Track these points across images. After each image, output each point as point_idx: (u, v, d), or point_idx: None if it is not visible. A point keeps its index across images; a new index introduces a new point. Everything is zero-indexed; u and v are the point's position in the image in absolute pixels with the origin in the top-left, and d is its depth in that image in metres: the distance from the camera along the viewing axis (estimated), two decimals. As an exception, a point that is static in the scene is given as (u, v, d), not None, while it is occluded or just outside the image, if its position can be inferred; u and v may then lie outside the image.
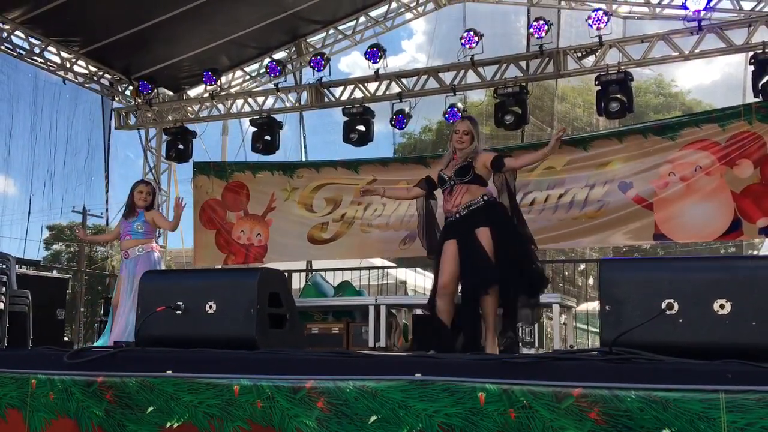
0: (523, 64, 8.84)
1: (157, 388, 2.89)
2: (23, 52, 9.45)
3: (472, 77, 9.01)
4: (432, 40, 11.91)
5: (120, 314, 5.89)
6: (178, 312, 3.28)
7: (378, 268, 11.33)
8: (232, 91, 10.79)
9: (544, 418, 2.31)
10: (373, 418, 2.54)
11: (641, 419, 2.19)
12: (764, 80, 7.40)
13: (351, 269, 10.39)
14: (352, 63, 21.02)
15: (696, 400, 2.14)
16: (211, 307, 3.26)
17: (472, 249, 4.55)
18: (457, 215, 4.70)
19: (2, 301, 4.97)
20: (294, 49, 10.61)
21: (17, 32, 9.21)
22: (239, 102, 10.39)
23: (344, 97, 9.68)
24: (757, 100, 7.55)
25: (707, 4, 7.74)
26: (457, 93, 9.11)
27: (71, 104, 10.90)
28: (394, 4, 10.35)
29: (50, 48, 9.62)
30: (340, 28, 10.52)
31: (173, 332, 3.30)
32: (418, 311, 7.62)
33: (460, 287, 4.74)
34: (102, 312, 8.15)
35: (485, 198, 4.72)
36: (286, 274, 7.54)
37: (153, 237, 6.24)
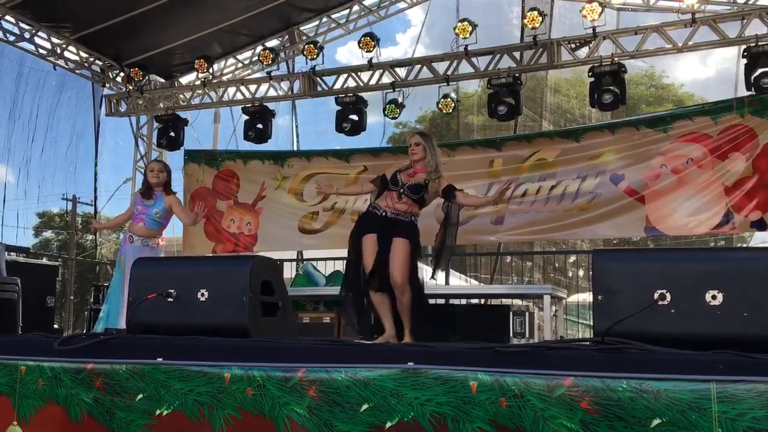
0: (516, 54, 8.82)
1: (148, 376, 2.88)
2: (13, 38, 9.35)
3: (465, 67, 8.99)
4: (425, 30, 11.89)
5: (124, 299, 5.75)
6: (170, 299, 3.27)
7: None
8: (224, 78, 10.73)
9: (535, 407, 2.31)
10: (365, 406, 2.54)
11: (632, 409, 2.19)
12: (757, 73, 7.41)
13: (342, 259, 10.36)
14: (348, 53, 20.96)
15: (687, 390, 2.15)
16: (203, 294, 3.24)
17: (401, 251, 4.87)
18: (384, 214, 5.01)
19: (-9, 288, 4.93)
20: (287, 37, 10.55)
21: (7, 17, 9.11)
22: (231, 90, 10.33)
23: (337, 86, 9.64)
24: (749, 93, 7.57)
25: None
26: (450, 83, 9.09)
27: (56, 91, 10.81)
28: (387, -7, 10.32)
29: (40, 33, 9.53)
30: (333, 16, 10.47)
31: (165, 320, 3.29)
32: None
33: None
34: (92, 300, 8.12)
35: (414, 219, 5.06)
36: (278, 262, 7.52)
37: (164, 228, 6.06)
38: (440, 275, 6.84)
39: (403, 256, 4.85)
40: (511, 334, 6.82)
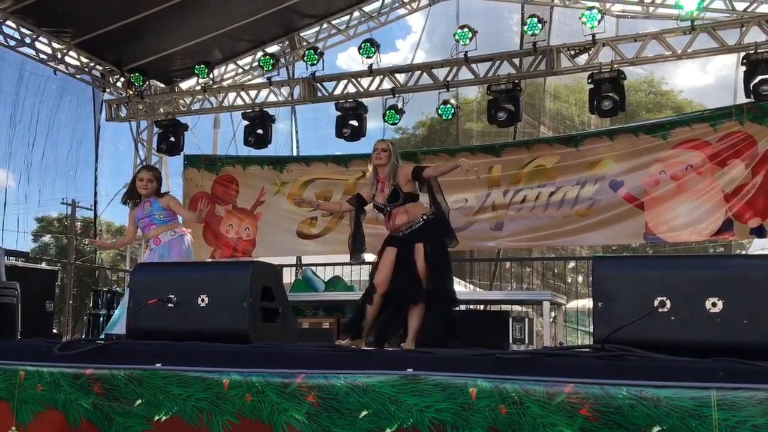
0: (516, 61, 8.84)
1: (146, 381, 2.88)
2: (13, 43, 9.36)
3: (465, 74, 9.01)
4: (425, 36, 11.91)
5: None
6: (170, 305, 3.26)
7: (369, 263, 11.30)
8: (225, 84, 10.74)
9: (535, 414, 2.31)
10: (364, 413, 2.53)
11: (632, 416, 2.19)
12: (756, 80, 7.41)
13: (342, 264, 10.38)
14: (348, 59, 21.05)
15: (687, 397, 2.15)
16: (203, 300, 3.24)
17: (408, 265, 5.09)
18: (400, 234, 5.22)
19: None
20: (287, 42, 10.58)
21: (8, 22, 9.12)
22: (231, 95, 10.35)
23: (337, 91, 9.65)
24: (748, 100, 7.58)
25: (700, 3, 7.76)
26: (450, 89, 9.10)
27: (57, 96, 10.81)
28: (388, 0, 10.34)
29: (41, 38, 9.54)
30: (333, 22, 10.50)
31: (165, 325, 3.28)
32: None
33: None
34: (91, 305, 8.10)
35: (424, 217, 5.22)
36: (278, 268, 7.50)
37: (177, 220, 5.79)
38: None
39: (422, 257, 5.07)
40: (510, 341, 6.82)
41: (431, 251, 5.09)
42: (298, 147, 12.13)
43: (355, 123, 9.25)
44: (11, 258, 6.95)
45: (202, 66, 9.75)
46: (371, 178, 5.44)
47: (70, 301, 12.11)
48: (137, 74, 9.99)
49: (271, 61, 9.58)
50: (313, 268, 9.78)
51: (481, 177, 8.66)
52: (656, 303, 2.53)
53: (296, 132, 12.13)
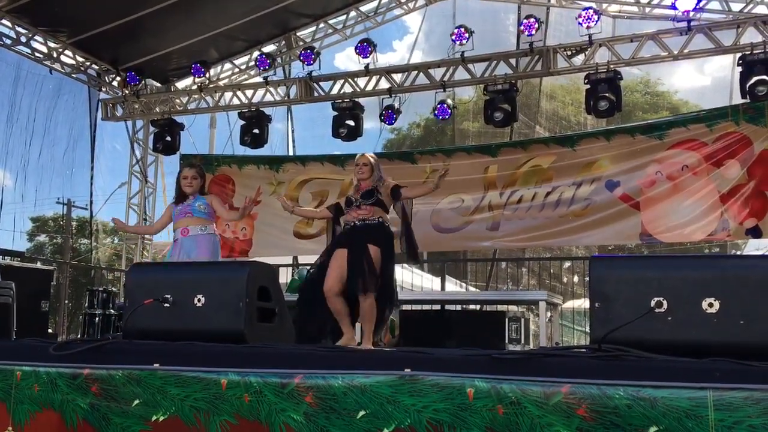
0: (512, 61, 8.84)
1: (144, 381, 2.87)
2: (9, 41, 9.33)
3: (461, 74, 9.01)
4: (422, 36, 11.91)
5: None
6: (166, 305, 3.26)
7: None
8: (221, 83, 10.73)
9: (532, 414, 2.32)
10: (362, 413, 2.54)
11: (629, 416, 2.20)
12: (752, 81, 7.43)
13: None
14: (346, 59, 21.04)
15: (684, 397, 2.15)
16: (199, 300, 3.24)
17: (364, 256, 5.02)
18: (354, 223, 5.21)
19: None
20: (284, 42, 10.57)
21: (4, 21, 9.09)
22: (228, 95, 10.34)
23: (334, 91, 9.65)
24: (744, 101, 7.60)
25: (696, 4, 7.78)
26: (446, 89, 9.10)
27: (54, 95, 10.76)
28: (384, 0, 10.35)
29: (37, 37, 9.52)
30: (330, 22, 10.49)
31: (161, 325, 3.28)
32: (406, 307, 7.62)
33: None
34: (87, 304, 8.08)
35: (381, 220, 5.22)
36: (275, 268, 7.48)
37: (213, 220, 5.68)
38: (437, 282, 6.83)
39: (377, 251, 5.03)
40: (506, 341, 6.82)
41: (383, 255, 5.07)
42: (294, 147, 12.11)
43: (351, 123, 9.24)
44: (6, 257, 6.93)
45: (198, 65, 9.74)
46: (353, 189, 5.47)
47: (66, 301, 12.07)
48: (133, 73, 9.96)
49: (267, 61, 9.57)
50: (309, 267, 9.75)
51: (477, 177, 8.70)
52: (653, 303, 2.54)
53: (292, 132, 12.10)
